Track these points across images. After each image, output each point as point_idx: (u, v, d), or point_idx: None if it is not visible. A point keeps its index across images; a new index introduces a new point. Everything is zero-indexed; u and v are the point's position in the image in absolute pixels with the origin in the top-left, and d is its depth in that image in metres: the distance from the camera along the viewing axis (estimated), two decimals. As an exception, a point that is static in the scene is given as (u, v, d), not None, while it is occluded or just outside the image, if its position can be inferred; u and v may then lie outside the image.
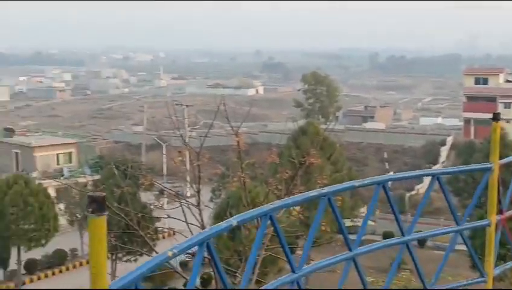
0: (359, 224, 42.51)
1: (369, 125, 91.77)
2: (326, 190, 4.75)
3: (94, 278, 3.53)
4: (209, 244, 4.00)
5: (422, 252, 38.99)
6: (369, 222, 41.61)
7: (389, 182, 5.70)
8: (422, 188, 57.06)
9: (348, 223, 36.98)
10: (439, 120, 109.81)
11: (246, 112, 23.01)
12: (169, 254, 3.82)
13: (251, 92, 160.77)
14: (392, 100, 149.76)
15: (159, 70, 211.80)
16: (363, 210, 42.87)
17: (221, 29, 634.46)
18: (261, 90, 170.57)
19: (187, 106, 65.40)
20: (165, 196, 28.29)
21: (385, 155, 69.61)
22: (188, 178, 20.06)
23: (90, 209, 3.47)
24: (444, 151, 70.28)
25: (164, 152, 55.32)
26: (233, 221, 4.18)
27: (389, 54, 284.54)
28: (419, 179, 53.08)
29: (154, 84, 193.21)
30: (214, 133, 68.08)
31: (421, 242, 42.93)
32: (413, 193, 57.98)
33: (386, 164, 67.03)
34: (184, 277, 16.21)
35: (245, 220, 4.34)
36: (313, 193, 4.74)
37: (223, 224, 4.12)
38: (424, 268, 6.12)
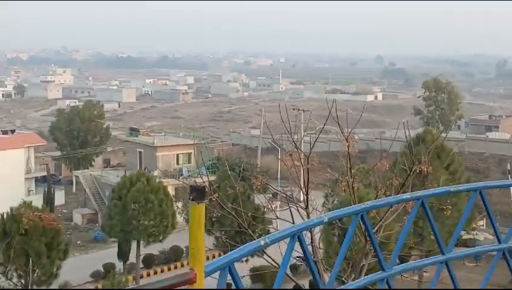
0: (478, 238, 40.87)
1: (492, 135, 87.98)
2: (420, 193, 4.77)
3: (193, 256, 4.10)
4: (301, 237, 4.17)
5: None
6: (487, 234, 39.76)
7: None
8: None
9: (465, 236, 35.69)
10: None
11: (362, 119, 22.91)
12: (262, 242, 4.06)
13: (370, 98, 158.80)
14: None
15: (278, 75, 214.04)
16: (482, 223, 41.20)
17: (342, 34, 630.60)
18: (380, 96, 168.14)
19: (304, 110, 65.67)
20: (278, 198, 28.68)
21: (508, 167, 66.52)
22: (302, 182, 20.25)
23: (191, 197, 3.91)
24: None
25: (279, 156, 55.96)
26: (324, 217, 4.33)
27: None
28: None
29: (273, 88, 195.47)
30: (329, 139, 67.97)
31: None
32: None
33: (509, 176, 64.01)
34: (294, 280, 16.39)
35: (336, 217, 4.46)
36: (406, 195, 4.78)
37: (314, 219, 4.28)
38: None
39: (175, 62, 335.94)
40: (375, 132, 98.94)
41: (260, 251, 19.16)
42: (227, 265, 4.01)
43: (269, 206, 30.47)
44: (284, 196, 17.25)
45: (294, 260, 34.69)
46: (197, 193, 3.99)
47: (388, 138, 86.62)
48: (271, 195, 37.21)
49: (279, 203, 28.64)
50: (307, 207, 14.70)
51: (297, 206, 15.01)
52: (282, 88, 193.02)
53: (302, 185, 16.90)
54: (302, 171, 17.27)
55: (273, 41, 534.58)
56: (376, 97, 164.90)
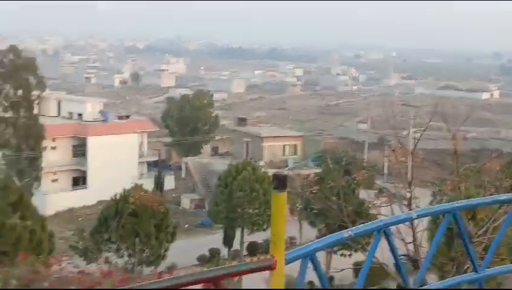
0: None
1: None
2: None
3: (274, 243, 4.25)
4: (387, 232, 4.20)
5: None
6: None
7: None
8: None
9: None
10: None
11: (476, 117, 22.21)
12: (346, 234, 4.14)
13: (485, 95, 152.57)
14: None
15: (389, 69, 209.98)
16: None
17: (456, 29, 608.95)
18: (496, 94, 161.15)
19: (414, 106, 64.23)
20: (384, 194, 28.33)
21: None
22: (409, 178, 19.91)
23: (273, 186, 4.09)
24: None
25: (386, 151, 55.14)
26: (413, 214, 4.34)
27: None
28: None
29: (383, 83, 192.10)
30: (440, 136, 66.02)
31: None
32: None
33: None
34: (397, 278, 16.20)
35: (425, 214, 4.45)
36: (503, 196, 4.69)
37: (402, 215, 4.30)
38: None
39: (284, 54, 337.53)
40: (489, 131, 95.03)
41: (363, 247, 19.03)
42: (309, 254, 4.10)
43: (373, 202, 30.19)
44: (387, 192, 17.11)
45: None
46: (279, 181, 4.16)
47: (503, 138, 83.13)
48: (377, 191, 36.82)
49: (384, 199, 28.31)
50: (409, 204, 14.52)
51: (400, 204, 14.85)
52: (392, 83, 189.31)
53: (407, 182, 16.67)
54: (408, 167, 17.04)
55: (385, 35, 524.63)
56: (492, 95, 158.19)
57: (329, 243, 4.24)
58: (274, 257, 4.19)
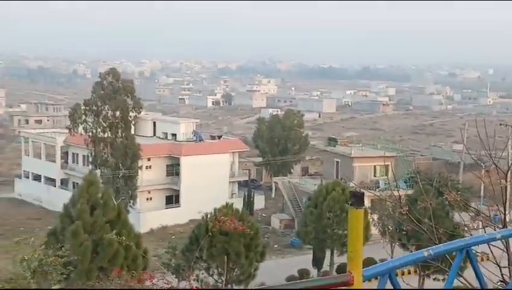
0: None
1: None
2: None
3: (350, 260, 4.30)
4: (469, 252, 4.11)
5: None
6: None
7: None
8: None
9: None
10: None
11: None
12: (425, 253, 4.09)
13: None
14: None
15: (486, 88, 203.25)
16: None
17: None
18: None
19: (512, 126, 61.75)
20: (479, 217, 27.39)
21: None
22: (504, 200, 19.14)
23: (350, 203, 4.16)
24: None
25: (482, 173, 53.29)
26: (497, 235, 4.22)
27: None
28: None
29: (480, 102, 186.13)
30: (540, 157, 63.03)
31: None
32: None
33: None
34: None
35: (510, 235, 4.31)
36: None
37: (485, 235, 4.21)
38: None
39: (376, 73, 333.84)
40: None
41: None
42: (387, 272, 4.10)
43: (469, 225, 29.10)
44: (481, 214, 16.51)
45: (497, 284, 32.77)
46: (356, 198, 4.23)
47: None
48: (473, 213, 35.64)
49: (479, 222, 27.34)
50: (504, 227, 13.94)
51: (495, 227, 14.30)
52: (489, 102, 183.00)
53: (503, 204, 16.04)
54: (503, 189, 16.40)
55: (481, 53, 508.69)
56: None
57: (408, 261, 4.23)
58: (351, 273, 4.23)
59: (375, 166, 62.93)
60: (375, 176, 62.57)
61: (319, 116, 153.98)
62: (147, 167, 64.75)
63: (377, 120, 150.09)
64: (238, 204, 50.24)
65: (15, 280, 12.10)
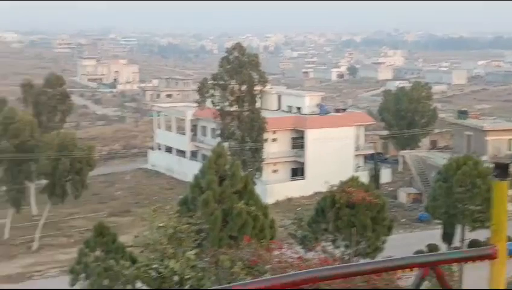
0: None
1: None
2: None
3: (494, 233, 4.15)
4: None
5: None
6: None
7: None
8: None
9: None
10: None
11: None
12: None
13: None
14: None
15: None
16: None
17: None
18: None
19: None
20: None
21: None
22: None
23: (494, 174, 4.02)
24: None
25: None
26: None
27: None
28: None
29: None
30: None
31: None
32: None
33: None
34: None
35: None
36: None
37: None
38: None
39: (511, 42, 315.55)
40: None
41: None
42: None
43: None
44: None
45: None
46: (500, 169, 4.11)
47: None
48: None
49: None
50: None
51: None
52: None
53: None
54: None
55: None
56: None
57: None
58: (495, 246, 4.09)
59: (510, 139, 59.94)
60: (510, 150, 59.63)
61: (448, 88, 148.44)
62: (272, 140, 65.64)
63: (511, 91, 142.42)
64: (364, 178, 49.82)
65: (153, 245, 12.77)
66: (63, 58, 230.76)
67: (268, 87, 67.76)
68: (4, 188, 55.97)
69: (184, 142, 75.57)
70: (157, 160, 79.48)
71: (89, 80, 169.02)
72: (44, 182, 52.96)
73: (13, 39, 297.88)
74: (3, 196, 56.62)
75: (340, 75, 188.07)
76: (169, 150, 78.34)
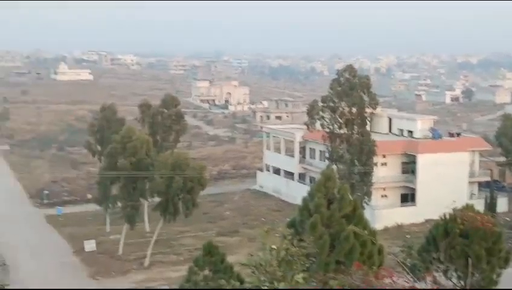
0: None
1: None
2: None
3: None
4: None
5: None
6: None
7: None
8: None
9: None
10: None
11: None
12: None
13: None
14: None
15: None
16: None
17: None
18: None
19: None
20: None
21: None
22: None
23: None
24: None
25: None
26: None
27: None
28: None
29: None
30: None
31: None
32: None
33: None
34: None
35: None
36: None
37: None
38: None
39: None
40: None
41: None
42: None
43: None
44: None
45: None
46: None
47: None
48: None
49: None
50: None
51: None
52: None
53: None
54: None
55: None
56: None
57: None
58: None
59: None
60: None
61: None
62: (382, 164, 64.44)
63: None
64: (479, 206, 47.61)
65: (264, 267, 12.81)
66: (178, 79, 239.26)
67: (379, 109, 66.71)
68: (120, 204, 58.11)
69: (292, 164, 75.80)
70: (265, 181, 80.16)
71: (202, 100, 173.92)
72: (157, 199, 54.55)
73: (132, 61, 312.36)
74: (118, 213, 58.85)
75: (455, 98, 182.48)
76: (277, 171, 78.81)
